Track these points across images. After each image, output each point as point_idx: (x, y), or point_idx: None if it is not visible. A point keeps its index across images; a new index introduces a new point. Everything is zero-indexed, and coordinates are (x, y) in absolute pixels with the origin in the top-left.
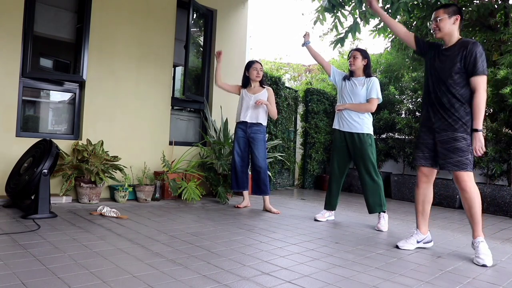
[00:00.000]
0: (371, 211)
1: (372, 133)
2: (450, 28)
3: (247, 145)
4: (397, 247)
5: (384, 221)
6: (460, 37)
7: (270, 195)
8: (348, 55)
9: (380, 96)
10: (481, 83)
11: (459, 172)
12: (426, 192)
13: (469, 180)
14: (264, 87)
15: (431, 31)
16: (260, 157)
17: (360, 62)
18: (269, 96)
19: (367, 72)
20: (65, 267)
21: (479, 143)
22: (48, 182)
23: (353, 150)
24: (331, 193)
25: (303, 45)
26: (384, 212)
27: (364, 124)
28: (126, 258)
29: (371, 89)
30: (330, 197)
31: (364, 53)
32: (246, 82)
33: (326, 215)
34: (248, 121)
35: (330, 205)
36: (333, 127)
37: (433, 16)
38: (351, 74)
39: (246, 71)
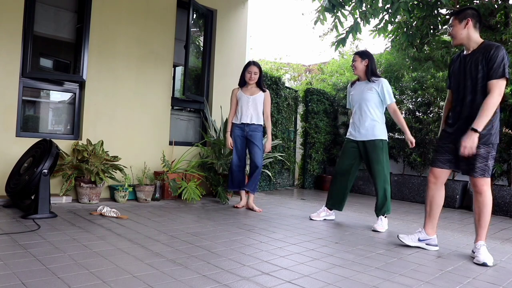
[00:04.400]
0: (379, 214)
1: (386, 138)
2: (464, 33)
3: (245, 144)
4: (398, 236)
5: (382, 222)
6: (483, 40)
7: (254, 194)
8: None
9: (393, 98)
10: (497, 86)
11: (477, 178)
12: (435, 194)
13: (485, 185)
14: (261, 90)
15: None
16: (258, 155)
17: (360, 64)
18: (265, 99)
19: (372, 71)
20: (65, 267)
21: (472, 143)
22: (48, 182)
23: (367, 157)
24: (333, 193)
25: None
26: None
27: (376, 130)
28: (126, 258)
29: (384, 95)
30: (331, 196)
31: (362, 55)
32: (242, 82)
33: (322, 215)
34: (249, 122)
35: (332, 205)
36: (347, 136)
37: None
38: (357, 78)
39: (243, 72)
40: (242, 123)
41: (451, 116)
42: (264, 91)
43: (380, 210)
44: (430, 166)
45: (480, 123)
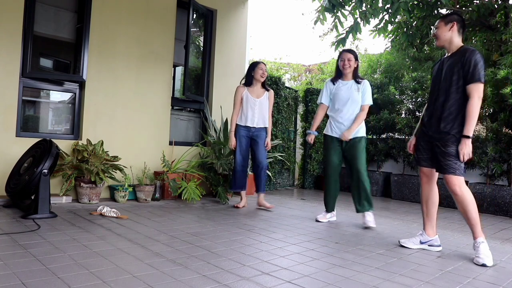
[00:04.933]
0: (361, 210)
1: (365, 135)
2: (447, 35)
3: (249, 144)
4: (399, 242)
5: (370, 217)
6: (463, 44)
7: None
8: (340, 57)
9: (371, 101)
10: (476, 90)
11: (448, 176)
12: (429, 192)
13: (458, 184)
14: (265, 89)
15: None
16: (263, 155)
17: (354, 64)
18: (269, 98)
19: (357, 74)
20: (65, 267)
21: (468, 149)
22: (48, 182)
23: (349, 153)
24: (332, 194)
25: (316, 134)
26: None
27: (361, 129)
28: (126, 258)
29: (365, 95)
30: (330, 197)
31: (355, 55)
32: (250, 81)
33: (328, 216)
34: (255, 126)
35: (332, 206)
36: (324, 132)
37: (434, 26)
38: (339, 76)
39: (252, 70)
40: (248, 126)
41: (426, 115)
42: (268, 90)
43: (366, 206)
44: (417, 166)
45: (470, 129)
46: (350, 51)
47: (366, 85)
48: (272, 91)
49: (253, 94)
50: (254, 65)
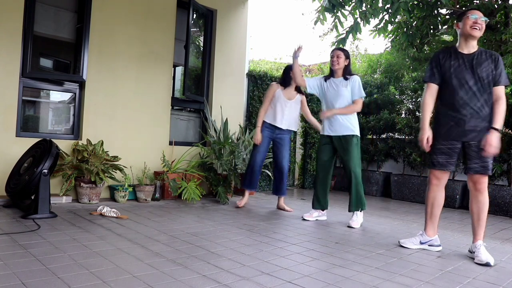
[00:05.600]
0: (353, 209)
1: (358, 134)
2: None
3: (269, 145)
4: (399, 242)
5: (357, 218)
6: (477, 45)
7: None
8: (331, 54)
9: (363, 94)
10: (504, 92)
11: (484, 176)
12: (437, 195)
13: (486, 183)
14: (298, 92)
15: (472, 27)
16: (286, 158)
17: (343, 62)
18: (303, 102)
19: (348, 71)
20: (65, 267)
21: (498, 142)
22: (48, 182)
23: (340, 151)
24: (318, 192)
25: (295, 57)
26: (361, 210)
27: (350, 126)
28: (126, 258)
29: (354, 89)
30: (318, 196)
31: (346, 53)
32: (288, 81)
33: (314, 214)
34: (282, 127)
35: (319, 205)
36: (321, 133)
37: (476, 15)
38: (331, 74)
39: (290, 71)
40: (274, 126)
41: (465, 113)
42: (302, 93)
43: (354, 206)
44: (431, 168)
45: (500, 123)
46: (340, 48)
47: (354, 80)
48: (304, 95)
49: (285, 94)
50: (290, 68)
